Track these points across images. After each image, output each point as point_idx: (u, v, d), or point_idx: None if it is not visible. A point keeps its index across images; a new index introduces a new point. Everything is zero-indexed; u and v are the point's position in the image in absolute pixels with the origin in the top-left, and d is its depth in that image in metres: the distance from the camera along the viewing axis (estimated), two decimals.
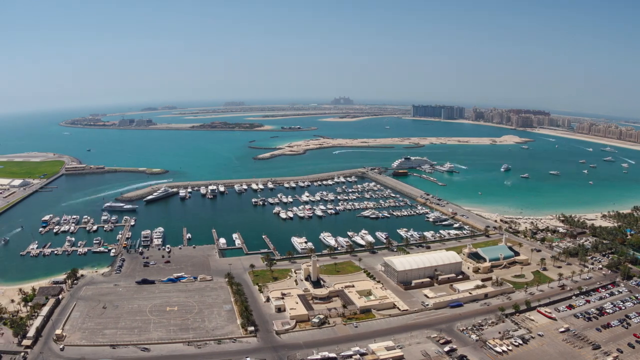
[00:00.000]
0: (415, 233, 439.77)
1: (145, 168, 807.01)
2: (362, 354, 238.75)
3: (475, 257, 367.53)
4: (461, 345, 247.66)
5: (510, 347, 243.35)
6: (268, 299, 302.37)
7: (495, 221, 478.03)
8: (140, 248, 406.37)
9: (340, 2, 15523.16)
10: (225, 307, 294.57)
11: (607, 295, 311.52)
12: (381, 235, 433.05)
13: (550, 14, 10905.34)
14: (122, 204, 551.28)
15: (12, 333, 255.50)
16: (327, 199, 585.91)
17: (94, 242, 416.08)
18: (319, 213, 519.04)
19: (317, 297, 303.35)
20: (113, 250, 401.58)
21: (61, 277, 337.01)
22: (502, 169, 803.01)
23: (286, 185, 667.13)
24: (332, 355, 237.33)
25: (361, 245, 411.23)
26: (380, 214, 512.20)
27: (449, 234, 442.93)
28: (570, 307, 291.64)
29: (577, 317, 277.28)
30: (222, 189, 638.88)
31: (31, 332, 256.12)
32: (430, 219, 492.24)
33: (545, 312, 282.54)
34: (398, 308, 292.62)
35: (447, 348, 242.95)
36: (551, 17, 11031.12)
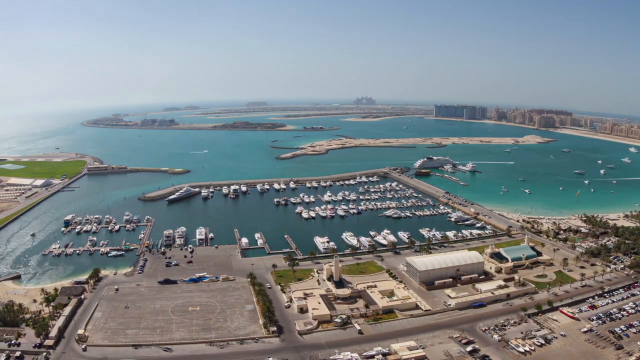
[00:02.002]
0: (438, 233, 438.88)
1: (167, 168, 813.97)
2: (384, 354, 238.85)
3: (498, 257, 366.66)
4: (483, 345, 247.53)
5: (532, 347, 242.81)
6: (290, 299, 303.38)
7: (518, 221, 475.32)
8: (163, 248, 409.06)
9: (364, 3, 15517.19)
10: (248, 307, 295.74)
11: (630, 295, 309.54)
12: (403, 235, 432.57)
13: (575, 13, 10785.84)
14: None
15: (35, 333, 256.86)
16: (349, 198, 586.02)
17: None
18: (341, 213, 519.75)
19: (340, 297, 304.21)
20: (135, 248, 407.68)
21: (83, 277, 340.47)
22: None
23: (308, 185, 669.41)
24: (355, 355, 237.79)
25: (383, 245, 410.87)
26: (403, 214, 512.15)
27: (471, 233, 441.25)
28: (593, 307, 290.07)
29: (599, 317, 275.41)
30: (244, 188, 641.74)
31: (53, 333, 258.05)
32: (453, 219, 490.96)
33: (568, 312, 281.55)
34: (420, 308, 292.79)
35: (469, 348, 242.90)
36: (575, 16, 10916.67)
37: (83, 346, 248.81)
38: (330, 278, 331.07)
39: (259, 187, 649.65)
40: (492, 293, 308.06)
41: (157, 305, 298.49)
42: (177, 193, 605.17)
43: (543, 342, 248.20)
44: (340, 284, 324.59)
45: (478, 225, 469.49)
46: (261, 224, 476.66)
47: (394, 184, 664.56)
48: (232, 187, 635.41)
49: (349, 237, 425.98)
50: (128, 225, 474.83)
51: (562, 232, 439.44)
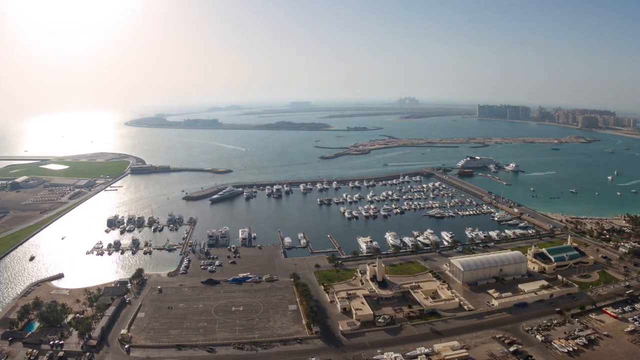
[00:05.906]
0: (481, 232, 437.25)
1: (210, 167, 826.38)
2: (427, 354, 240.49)
3: (541, 257, 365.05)
4: (527, 346, 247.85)
5: (576, 347, 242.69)
6: (333, 300, 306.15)
7: (561, 221, 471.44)
8: (206, 248, 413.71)
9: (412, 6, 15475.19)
10: (291, 307, 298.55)
11: None
12: (446, 234, 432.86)
13: (617, 12, 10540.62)
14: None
15: (78, 334, 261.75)
16: (392, 198, 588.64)
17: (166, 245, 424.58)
18: (383, 212, 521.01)
19: (383, 298, 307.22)
20: (178, 248, 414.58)
21: (127, 277, 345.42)
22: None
23: (351, 184, 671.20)
24: (398, 355, 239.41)
25: (426, 245, 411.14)
26: (446, 214, 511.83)
27: (514, 233, 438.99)
28: (637, 307, 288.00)
29: None
30: (287, 188, 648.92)
31: (96, 333, 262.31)
32: (496, 219, 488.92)
33: (612, 312, 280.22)
34: (464, 308, 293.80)
35: (512, 348, 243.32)
36: (612, 17, 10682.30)
37: (126, 347, 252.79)
38: (373, 278, 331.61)
39: (301, 186, 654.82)
40: (536, 293, 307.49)
41: (200, 306, 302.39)
42: (220, 193, 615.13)
43: (586, 342, 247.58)
44: (383, 284, 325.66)
45: (521, 225, 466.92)
46: (304, 223, 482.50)
47: (437, 184, 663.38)
48: (275, 187, 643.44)
49: (391, 237, 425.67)
50: (171, 225, 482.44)
51: (605, 232, 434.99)
